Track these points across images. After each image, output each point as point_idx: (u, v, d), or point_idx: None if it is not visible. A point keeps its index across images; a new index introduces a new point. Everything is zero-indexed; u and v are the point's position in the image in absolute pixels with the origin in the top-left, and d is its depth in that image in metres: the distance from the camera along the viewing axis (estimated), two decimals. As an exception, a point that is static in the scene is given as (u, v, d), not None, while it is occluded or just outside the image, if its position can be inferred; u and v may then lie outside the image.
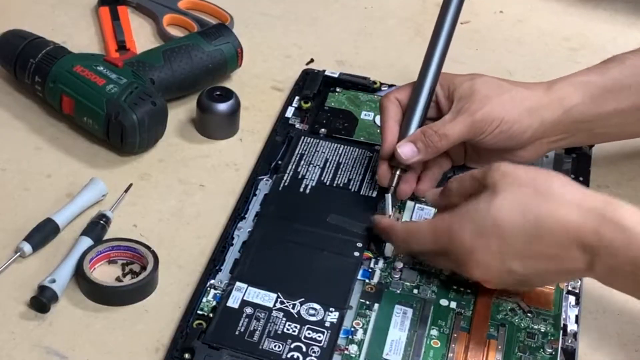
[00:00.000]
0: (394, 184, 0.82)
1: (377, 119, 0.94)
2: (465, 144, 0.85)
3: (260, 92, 0.99)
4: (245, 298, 0.75)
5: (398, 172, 0.82)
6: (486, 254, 0.71)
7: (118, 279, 0.78)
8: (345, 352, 0.72)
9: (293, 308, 0.74)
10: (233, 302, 0.75)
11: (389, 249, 0.79)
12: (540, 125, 0.82)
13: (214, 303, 0.75)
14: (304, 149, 0.90)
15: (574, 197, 0.69)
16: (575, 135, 0.85)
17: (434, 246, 0.74)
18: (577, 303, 0.78)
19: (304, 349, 0.71)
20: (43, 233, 0.80)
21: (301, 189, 0.86)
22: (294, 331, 0.73)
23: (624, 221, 0.67)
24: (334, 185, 0.86)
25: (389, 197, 0.81)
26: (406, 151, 0.80)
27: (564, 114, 0.82)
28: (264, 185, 0.87)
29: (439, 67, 0.84)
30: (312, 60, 1.04)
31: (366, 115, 0.95)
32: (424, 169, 0.85)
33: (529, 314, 0.76)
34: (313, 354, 0.71)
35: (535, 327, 0.75)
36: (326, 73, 1.00)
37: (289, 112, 0.95)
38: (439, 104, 0.84)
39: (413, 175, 0.84)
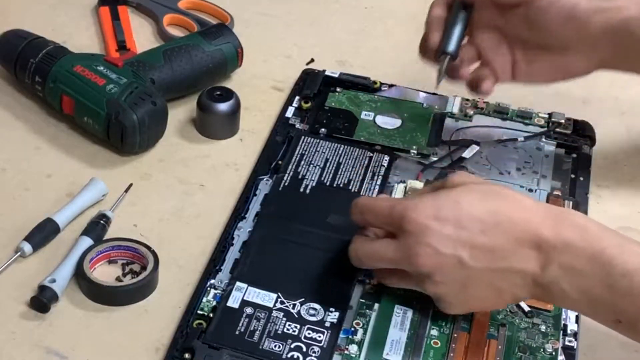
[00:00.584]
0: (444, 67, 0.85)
1: (377, 119, 0.94)
2: (513, 51, 0.84)
3: (261, 92, 0.99)
4: (245, 298, 0.75)
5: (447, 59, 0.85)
6: (438, 236, 0.68)
7: (118, 279, 0.78)
8: (345, 352, 0.72)
9: (293, 308, 0.74)
10: (233, 302, 0.75)
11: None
12: (592, 27, 0.80)
13: (214, 303, 0.75)
14: (304, 149, 0.90)
15: (532, 202, 0.70)
16: (628, 56, 0.82)
17: (386, 221, 0.72)
18: (577, 303, 0.78)
19: (304, 349, 0.71)
20: (43, 233, 0.80)
21: (301, 189, 0.86)
22: (294, 331, 0.73)
23: (582, 222, 0.68)
24: (334, 185, 0.86)
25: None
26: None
27: (620, 23, 0.80)
28: (264, 185, 0.86)
29: None
30: (312, 60, 1.04)
31: (366, 115, 0.95)
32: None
33: (529, 314, 0.76)
34: (313, 354, 0.71)
35: (535, 327, 0.75)
36: (326, 73, 1.00)
37: (289, 112, 0.95)
38: None
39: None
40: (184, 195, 0.87)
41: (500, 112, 0.96)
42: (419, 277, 0.70)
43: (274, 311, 0.74)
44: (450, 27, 0.85)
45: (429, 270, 0.69)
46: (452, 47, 0.84)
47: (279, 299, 0.75)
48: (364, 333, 0.74)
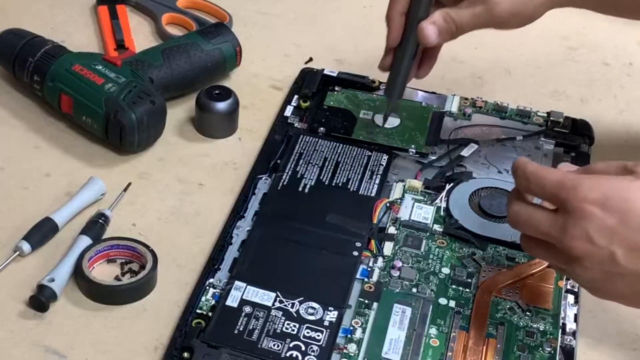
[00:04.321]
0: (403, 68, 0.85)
1: (376, 118, 0.94)
2: None
3: (259, 91, 0.99)
4: (244, 297, 0.75)
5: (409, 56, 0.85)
6: (598, 226, 0.66)
7: (117, 278, 0.78)
8: (344, 351, 0.72)
9: (292, 307, 0.74)
10: (232, 301, 0.75)
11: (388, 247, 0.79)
12: None
13: (213, 302, 0.75)
14: (303, 148, 0.90)
15: None
16: None
17: (551, 194, 0.69)
18: (576, 302, 0.78)
19: (303, 348, 0.71)
20: (42, 232, 0.80)
21: (300, 188, 0.86)
22: (293, 330, 0.73)
23: None
24: (333, 184, 0.86)
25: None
26: (431, 31, 0.81)
27: None
28: (263, 185, 0.87)
29: None
30: (311, 59, 1.04)
31: (365, 114, 0.95)
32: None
33: (527, 313, 0.76)
34: (312, 353, 0.71)
35: (534, 325, 0.75)
36: (325, 72, 1.00)
37: (288, 111, 0.95)
38: None
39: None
40: (183, 194, 0.87)
41: (499, 110, 0.96)
42: (567, 257, 0.68)
43: (272, 310, 0.74)
44: (398, 64, 0.86)
45: (579, 254, 0.67)
46: (396, 94, 0.87)
47: (278, 298, 0.75)
48: (363, 332, 0.74)
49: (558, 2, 0.83)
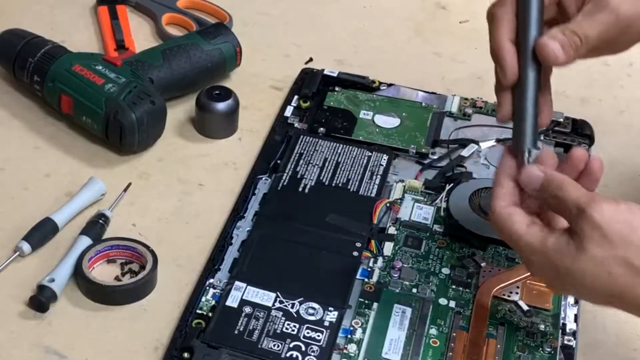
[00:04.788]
0: (530, 109, 0.69)
1: (376, 118, 0.94)
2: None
3: (259, 91, 0.99)
4: (244, 297, 0.75)
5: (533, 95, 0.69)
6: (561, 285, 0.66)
7: (117, 278, 0.78)
8: (345, 351, 0.72)
9: (292, 307, 0.74)
10: (232, 301, 0.75)
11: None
12: None
13: (213, 302, 0.75)
14: (303, 148, 0.90)
15: None
16: None
17: (566, 215, 0.65)
18: (576, 302, 0.78)
19: (303, 348, 0.71)
20: (42, 232, 0.80)
21: (300, 189, 0.86)
22: (293, 330, 0.73)
23: None
24: (333, 184, 0.86)
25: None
26: (555, 46, 0.68)
27: None
28: (263, 185, 0.87)
29: None
30: (311, 60, 1.04)
31: (365, 115, 0.95)
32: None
33: (528, 313, 0.76)
34: (312, 353, 0.71)
35: (534, 326, 0.75)
36: (325, 72, 1.00)
37: (288, 112, 0.95)
38: (563, 3, 0.72)
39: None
40: (183, 194, 0.86)
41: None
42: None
43: (273, 310, 0.74)
44: (523, 106, 0.69)
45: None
46: (530, 143, 0.69)
47: (278, 298, 0.75)
48: (363, 332, 0.74)
49: None
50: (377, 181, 0.87)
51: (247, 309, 0.74)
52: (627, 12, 0.69)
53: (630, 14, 0.69)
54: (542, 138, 0.93)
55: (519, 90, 0.69)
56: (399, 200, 0.85)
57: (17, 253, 0.78)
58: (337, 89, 0.98)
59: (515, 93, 0.69)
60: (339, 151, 0.90)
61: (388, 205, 0.85)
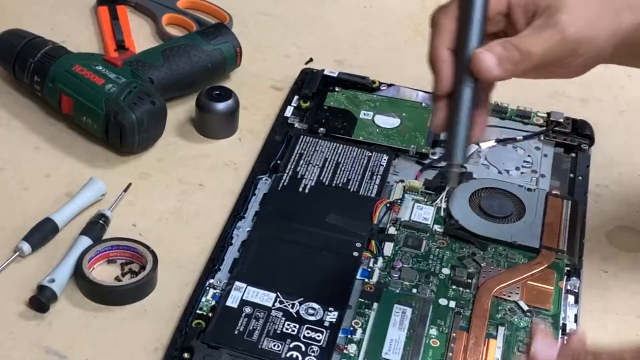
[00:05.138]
0: (464, 123, 0.65)
1: (376, 119, 0.94)
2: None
3: (259, 91, 0.99)
4: (244, 297, 0.75)
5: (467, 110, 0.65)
6: None
7: (117, 279, 0.78)
8: (345, 351, 0.72)
9: (292, 307, 0.74)
10: (232, 301, 0.75)
11: None
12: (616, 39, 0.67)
13: (213, 302, 0.75)
14: (303, 148, 0.90)
15: None
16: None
17: None
18: (576, 302, 0.78)
19: (303, 349, 0.71)
20: (42, 232, 0.80)
21: (300, 189, 0.86)
22: (293, 331, 0.73)
23: None
24: (333, 184, 0.86)
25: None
26: (489, 59, 0.64)
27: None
28: (263, 185, 0.87)
29: None
30: (311, 60, 1.04)
31: (365, 115, 0.95)
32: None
33: (528, 313, 0.76)
34: (312, 354, 0.71)
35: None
36: (325, 72, 1.00)
37: (288, 112, 0.95)
38: (512, 14, 0.67)
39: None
40: (183, 194, 0.87)
41: (499, 111, 0.96)
42: None
43: (273, 311, 0.74)
44: (456, 117, 0.65)
45: None
46: (462, 156, 0.66)
47: (278, 299, 0.75)
48: (363, 332, 0.74)
49: (621, 37, 0.68)
50: (377, 181, 0.87)
51: (247, 309, 0.74)
52: (575, 33, 0.65)
53: (579, 36, 0.65)
54: (542, 139, 0.93)
55: (453, 103, 0.65)
56: (399, 201, 0.85)
57: (17, 253, 0.78)
58: (337, 89, 0.98)
59: (450, 104, 0.66)
60: (339, 151, 0.90)
61: (388, 205, 0.85)
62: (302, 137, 0.91)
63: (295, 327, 0.73)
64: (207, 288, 0.76)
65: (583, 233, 0.84)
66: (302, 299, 0.75)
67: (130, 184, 0.86)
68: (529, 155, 0.92)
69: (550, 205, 0.85)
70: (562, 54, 0.66)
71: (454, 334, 0.74)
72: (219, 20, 1.07)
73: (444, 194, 0.86)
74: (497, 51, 0.64)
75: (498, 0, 0.67)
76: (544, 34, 0.65)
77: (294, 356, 0.71)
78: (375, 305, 0.76)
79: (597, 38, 0.66)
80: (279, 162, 0.89)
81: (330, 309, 0.74)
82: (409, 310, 0.75)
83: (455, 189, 0.84)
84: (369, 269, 0.79)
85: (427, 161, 0.90)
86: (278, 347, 0.71)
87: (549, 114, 0.96)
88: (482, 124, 0.67)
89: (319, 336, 0.72)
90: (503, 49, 0.64)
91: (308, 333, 0.73)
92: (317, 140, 0.91)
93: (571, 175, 0.90)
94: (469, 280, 0.78)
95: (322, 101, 0.97)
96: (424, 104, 0.97)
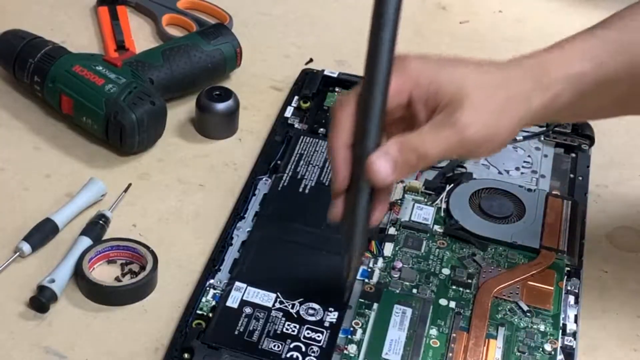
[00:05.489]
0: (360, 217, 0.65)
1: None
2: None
3: (260, 91, 0.99)
4: (244, 298, 0.75)
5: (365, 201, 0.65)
6: None
7: (117, 279, 0.78)
8: (345, 351, 0.72)
9: (292, 308, 0.74)
10: (232, 302, 0.74)
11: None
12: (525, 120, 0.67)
13: (214, 303, 0.75)
14: (303, 148, 0.90)
15: None
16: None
17: None
18: (577, 302, 0.78)
19: (304, 349, 0.71)
20: (42, 233, 0.80)
21: (300, 189, 0.86)
22: (294, 331, 0.73)
23: None
24: (333, 185, 0.86)
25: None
26: (384, 168, 0.63)
27: (550, 110, 0.68)
28: (263, 185, 0.86)
29: (390, 64, 0.64)
30: (311, 60, 1.04)
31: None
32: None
33: (528, 314, 0.76)
34: (312, 354, 0.71)
35: (535, 326, 0.75)
36: (325, 73, 1.00)
37: (288, 112, 0.95)
38: (413, 107, 0.66)
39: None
40: (183, 195, 0.86)
41: (499, 111, 0.96)
42: None
43: (273, 311, 0.74)
44: (353, 212, 0.64)
45: None
46: (358, 251, 0.68)
47: (278, 299, 0.75)
48: (363, 333, 0.74)
49: (530, 119, 0.66)
50: (378, 182, 0.87)
51: (248, 310, 0.74)
52: (474, 135, 0.63)
53: (478, 136, 0.63)
54: (542, 139, 0.93)
55: (350, 197, 0.64)
56: (399, 201, 0.85)
57: (18, 253, 0.78)
58: (337, 89, 0.98)
59: (347, 197, 0.65)
60: (339, 152, 0.90)
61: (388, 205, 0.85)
62: (302, 137, 0.91)
63: (295, 327, 0.73)
64: (207, 288, 0.76)
65: (583, 233, 0.84)
66: (302, 299, 0.75)
67: (130, 184, 0.86)
68: (529, 156, 0.92)
69: (550, 205, 0.85)
70: (461, 152, 0.65)
71: (454, 334, 0.74)
72: (219, 21, 1.07)
73: (444, 195, 0.86)
74: (393, 155, 0.63)
75: (399, 92, 0.64)
76: (442, 133, 0.63)
77: (294, 356, 0.71)
78: (375, 305, 0.76)
79: (499, 135, 0.64)
80: (279, 162, 0.89)
81: (330, 309, 0.74)
82: (409, 311, 0.75)
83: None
84: (369, 269, 0.79)
85: (427, 161, 0.90)
86: (278, 347, 0.71)
87: (549, 114, 0.96)
88: (382, 210, 0.67)
89: (319, 336, 0.72)
90: (399, 153, 0.63)
91: (308, 333, 0.73)
92: (317, 140, 0.91)
93: (571, 175, 0.90)
94: (469, 281, 0.78)
95: (322, 101, 0.97)
96: (424, 104, 0.97)
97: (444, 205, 0.85)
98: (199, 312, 0.74)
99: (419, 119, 0.65)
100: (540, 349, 0.73)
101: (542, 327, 0.75)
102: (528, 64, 0.67)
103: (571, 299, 0.78)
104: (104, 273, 0.78)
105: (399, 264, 0.79)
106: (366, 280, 0.78)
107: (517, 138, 0.93)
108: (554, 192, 0.88)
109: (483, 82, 0.64)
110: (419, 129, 0.63)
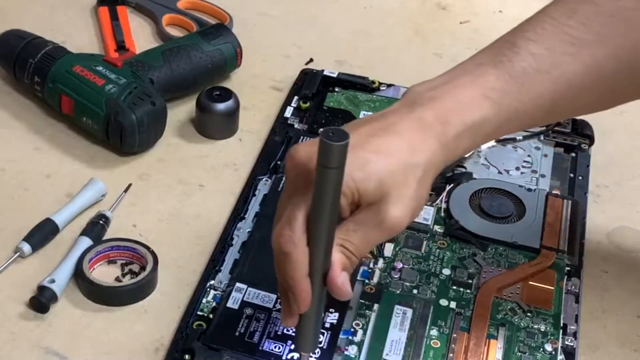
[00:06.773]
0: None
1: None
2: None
3: (260, 92, 0.99)
4: (245, 299, 0.75)
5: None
6: None
7: (117, 279, 0.78)
8: (345, 352, 0.72)
9: (293, 308, 0.74)
10: (233, 302, 0.74)
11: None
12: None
13: (214, 304, 0.75)
14: (304, 148, 0.90)
15: None
16: None
17: None
18: (577, 302, 0.78)
19: (304, 349, 0.71)
20: (42, 233, 0.80)
21: (301, 189, 0.85)
22: (294, 332, 0.73)
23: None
24: (334, 185, 0.86)
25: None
26: (346, 285, 0.64)
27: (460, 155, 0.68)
28: (264, 186, 0.86)
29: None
30: (311, 60, 1.04)
31: (365, 115, 0.95)
32: None
33: (528, 314, 0.76)
34: (313, 355, 0.71)
35: (535, 326, 0.75)
36: (325, 73, 1.00)
37: (288, 112, 0.95)
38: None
39: None
40: (183, 195, 0.86)
41: (500, 111, 0.96)
42: None
43: (273, 312, 0.74)
44: (309, 319, 0.65)
45: None
46: (313, 347, 0.68)
47: (279, 300, 0.75)
48: (364, 334, 0.74)
49: (439, 171, 0.67)
50: (378, 182, 0.87)
51: (248, 311, 0.74)
52: (404, 224, 0.63)
53: (406, 223, 0.64)
54: (542, 138, 0.93)
55: (304, 313, 0.64)
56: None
57: (18, 254, 0.78)
58: (337, 89, 0.98)
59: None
60: (339, 152, 0.90)
61: (388, 206, 0.85)
62: (302, 137, 0.91)
63: (295, 327, 0.73)
64: (208, 289, 0.76)
65: (583, 233, 0.84)
66: (302, 299, 0.75)
67: (130, 185, 0.86)
68: (529, 155, 0.92)
69: (551, 205, 0.85)
70: (389, 237, 0.65)
71: (455, 335, 0.74)
72: (219, 21, 1.07)
73: (444, 195, 0.86)
74: (345, 267, 0.64)
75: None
76: (375, 233, 0.63)
77: (295, 358, 0.71)
78: (375, 306, 0.76)
79: (421, 206, 0.65)
80: (279, 162, 0.89)
81: (330, 310, 0.74)
82: (409, 311, 0.75)
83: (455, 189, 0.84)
84: (370, 270, 0.79)
85: (427, 161, 0.90)
86: (279, 348, 0.71)
87: (549, 114, 0.96)
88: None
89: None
90: (348, 260, 0.64)
91: (309, 334, 0.72)
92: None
93: (571, 175, 0.90)
94: (470, 281, 0.78)
95: (322, 102, 0.97)
96: (424, 105, 0.97)
97: (444, 206, 0.85)
98: (199, 313, 0.74)
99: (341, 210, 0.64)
100: (541, 349, 0.73)
101: (542, 327, 0.75)
102: (427, 122, 0.64)
103: (571, 298, 0.78)
104: (104, 273, 0.78)
105: (399, 265, 0.79)
106: (366, 281, 0.78)
107: (517, 138, 0.93)
108: (554, 192, 0.88)
109: (396, 169, 0.63)
110: (348, 228, 0.63)
